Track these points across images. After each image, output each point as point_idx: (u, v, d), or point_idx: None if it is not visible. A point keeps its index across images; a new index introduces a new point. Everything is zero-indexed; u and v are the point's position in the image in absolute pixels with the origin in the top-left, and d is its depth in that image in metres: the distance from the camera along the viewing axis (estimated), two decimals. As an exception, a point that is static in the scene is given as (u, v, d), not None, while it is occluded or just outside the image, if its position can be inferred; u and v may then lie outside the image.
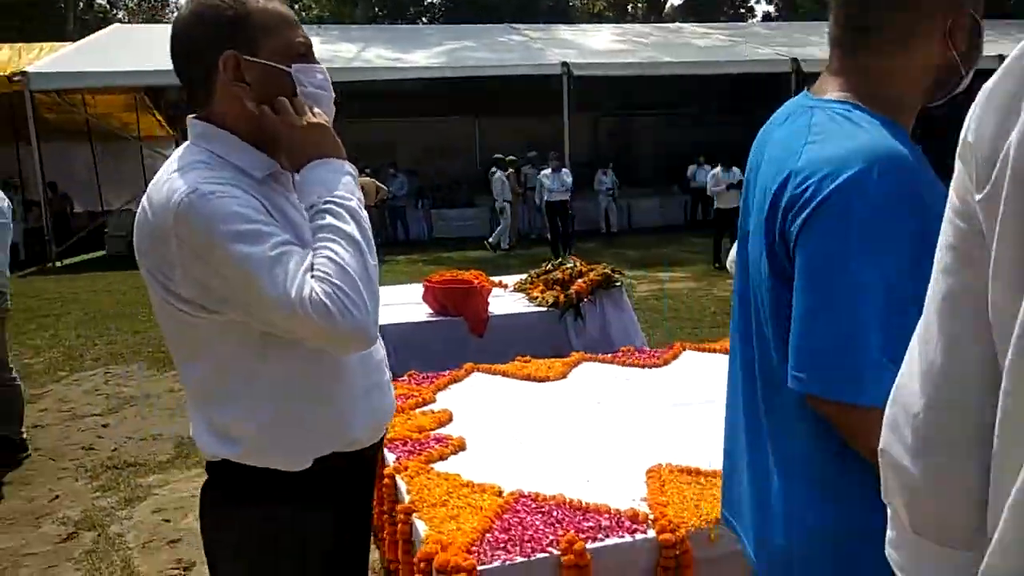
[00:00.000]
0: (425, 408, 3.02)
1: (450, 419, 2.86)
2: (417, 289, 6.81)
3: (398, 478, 2.35)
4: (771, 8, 26.63)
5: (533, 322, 5.52)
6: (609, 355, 3.65)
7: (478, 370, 3.56)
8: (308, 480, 1.21)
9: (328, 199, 1.13)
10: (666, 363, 3.51)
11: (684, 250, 11.81)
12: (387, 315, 5.54)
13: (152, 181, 1.17)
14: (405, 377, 3.51)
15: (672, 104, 17.21)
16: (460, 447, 2.57)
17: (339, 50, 13.88)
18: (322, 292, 1.04)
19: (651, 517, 1.93)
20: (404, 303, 6.02)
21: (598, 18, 21.21)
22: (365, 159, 11.46)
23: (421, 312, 5.58)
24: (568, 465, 2.36)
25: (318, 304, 1.03)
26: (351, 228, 1.11)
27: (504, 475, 2.26)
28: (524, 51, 14.75)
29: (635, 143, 18.30)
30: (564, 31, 17.75)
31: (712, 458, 2.29)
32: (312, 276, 1.05)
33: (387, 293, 6.79)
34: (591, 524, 1.91)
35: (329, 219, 1.11)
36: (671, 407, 2.89)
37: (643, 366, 3.47)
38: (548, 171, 11.48)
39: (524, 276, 6.55)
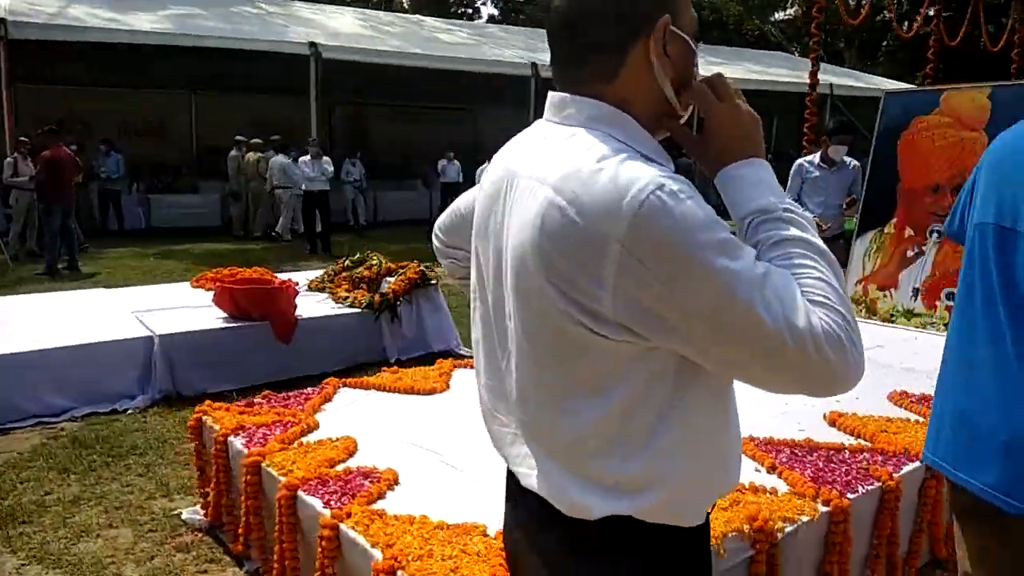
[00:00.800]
0: (315, 436, 2.60)
1: (356, 448, 2.49)
2: (186, 288, 5.91)
3: (345, 528, 1.97)
4: (496, 11, 27.94)
5: (345, 325, 5.08)
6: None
7: (345, 385, 3.16)
8: (691, 536, 1.01)
9: (785, 207, 0.95)
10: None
11: (442, 244, 11.80)
12: (170, 321, 4.69)
13: (554, 174, 0.90)
14: (260, 400, 2.99)
15: (408, 97, 17.08)
16: (394, 481, 2.24)
17: (38, 2, 11.36)
18: (833, 322, 0.86)
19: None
20: (183, 306, 5.15)
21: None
22: (51, 134, 8.90)
23: (212, 317, 4.82)
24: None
25: (833, 337, 0.85)
26: (822, 245, 0.93)
27: (473, 510, 2.01)
28: (263, 25, 13.56)
29: (372, 134, 17.89)
30: (304, 9, 16.66)
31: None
32: (811, 301, 0.87)
33: (153, 295, 5.77)
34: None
35: (795, 231, 0.93)
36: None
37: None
38: (307, 158, 10.69)
39: (319, 273, 6.01)
